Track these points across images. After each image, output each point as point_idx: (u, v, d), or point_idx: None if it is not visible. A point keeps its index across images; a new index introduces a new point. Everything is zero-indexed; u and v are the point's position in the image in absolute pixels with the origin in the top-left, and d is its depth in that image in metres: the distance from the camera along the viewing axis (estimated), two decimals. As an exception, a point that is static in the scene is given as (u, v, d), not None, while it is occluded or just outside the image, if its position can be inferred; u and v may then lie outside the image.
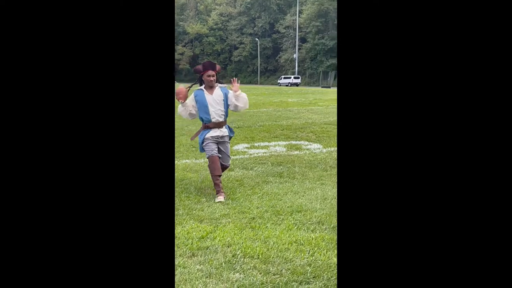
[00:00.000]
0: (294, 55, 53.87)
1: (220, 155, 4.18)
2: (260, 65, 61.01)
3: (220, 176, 4.10)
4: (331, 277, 2.36)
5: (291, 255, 2.66)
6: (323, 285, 2.27)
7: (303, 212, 3.52)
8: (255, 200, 3.92)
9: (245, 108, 4.30)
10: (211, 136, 4.15)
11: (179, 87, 4.14)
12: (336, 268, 2.46)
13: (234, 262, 2.57)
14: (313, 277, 2.36)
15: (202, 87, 4.18)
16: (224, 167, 4.30)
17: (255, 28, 61.93)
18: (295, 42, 53.62)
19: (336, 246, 2.80)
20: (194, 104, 4.19)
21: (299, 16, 53.22)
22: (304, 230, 3.13)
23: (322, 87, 42.66)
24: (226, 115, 4.26)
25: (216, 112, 4.14)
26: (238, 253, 2.69)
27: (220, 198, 3.93)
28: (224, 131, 4.23)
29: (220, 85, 4.23)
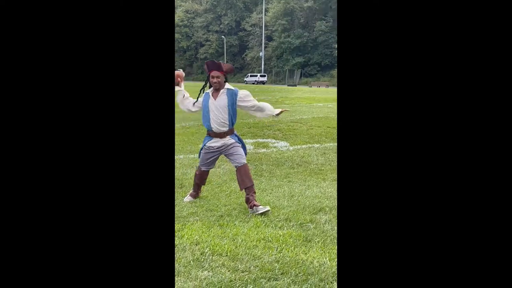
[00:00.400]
0: (261, 53, 54.03)
1: (212, 167, 3.91)
2: (227, 62, 60.66)
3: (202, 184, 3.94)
4: (299, 273, 2.39)
5: (259, 252, 2.68)
6: (291, 281, 2.30)
7: (271, 209, 3.55)
8: (223, 198, 3.92)
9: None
10: (211, 146, 3.71)
11: (177, 71, 3.72)
12: (303, 264, 2.50)
13: (202, 260, 2.56)
14: (281, 274, 2.39)
15: (210, 90, 3.67)
16: (243, 168, 3.62)
17: (221, 26, 61.58)
18: (261, 40, 53.77)
19: (303, 243, 2.84)
20: (200, 106, 3.74)
21: (265, 14, 53.40)
22: (271, 227, 3.15)
23: (288, 85, 43.06)
24: (232, 123, 3.65)
25: (216, 121, 3.60)
26: (206, 251, 2.69)
27: (189, 198, 3.89)
28: (227, 140, 3.66)
29: (228, 87, 3.63)
